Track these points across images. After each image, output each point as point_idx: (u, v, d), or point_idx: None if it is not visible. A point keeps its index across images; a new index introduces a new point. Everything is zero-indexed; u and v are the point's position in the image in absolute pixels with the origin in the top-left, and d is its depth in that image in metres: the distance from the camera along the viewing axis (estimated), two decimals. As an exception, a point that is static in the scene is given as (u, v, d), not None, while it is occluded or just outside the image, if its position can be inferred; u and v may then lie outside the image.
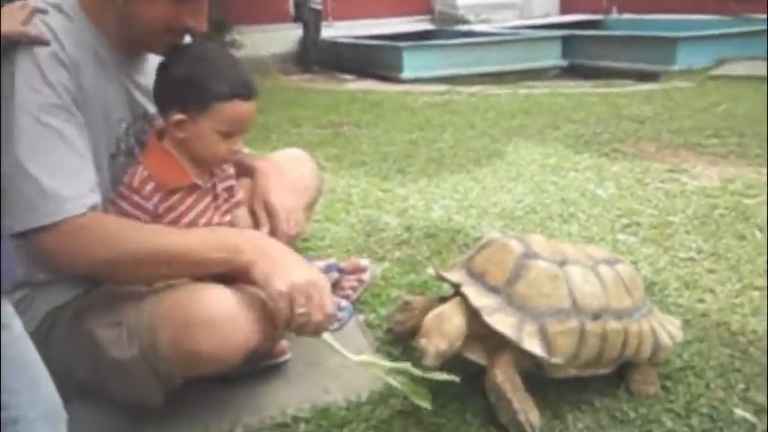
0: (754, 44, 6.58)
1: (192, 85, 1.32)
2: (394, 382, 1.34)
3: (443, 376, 1.33)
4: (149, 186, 1.34)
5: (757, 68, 5.89)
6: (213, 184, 1.46)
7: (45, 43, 1.21)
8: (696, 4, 8.85)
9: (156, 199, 1.35)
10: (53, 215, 1.16)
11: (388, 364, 1.40)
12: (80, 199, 1.19)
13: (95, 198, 1.23)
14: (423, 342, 1.33)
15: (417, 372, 1.33)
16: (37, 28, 1.22)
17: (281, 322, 1.26)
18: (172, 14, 1.29)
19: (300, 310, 1.22)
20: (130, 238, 1.22)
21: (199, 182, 1.40)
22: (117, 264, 1.22)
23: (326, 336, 1.32)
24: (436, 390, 1.45)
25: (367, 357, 1.34)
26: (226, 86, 1.32)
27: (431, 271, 1.52)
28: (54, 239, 1.17)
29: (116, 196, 1.35)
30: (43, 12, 1.25)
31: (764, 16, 6.97)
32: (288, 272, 1.24)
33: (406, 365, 1.35)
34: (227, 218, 1.51)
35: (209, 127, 1.33)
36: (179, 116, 1.33)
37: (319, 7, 9.47)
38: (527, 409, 1.29)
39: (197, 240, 1.27)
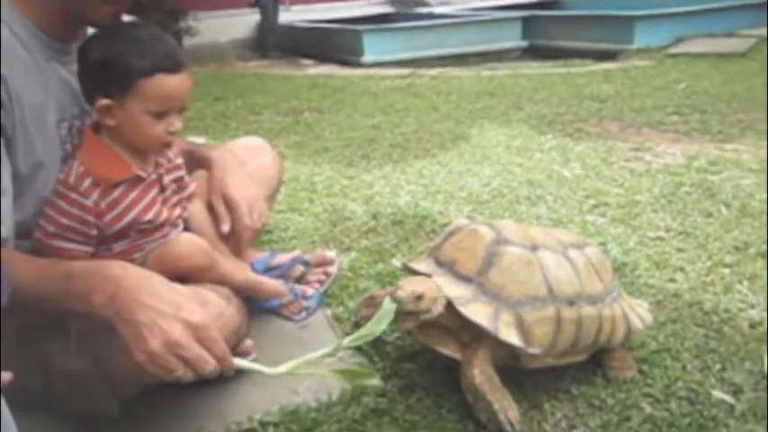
0: (712, 22, 6.67)
1: (112, 65, 1.22)
2: (327, 374, 1.21)
3: (365, 373, 1.24)
4: (87, 182, 1.25)
5: (715, 45, 5.96)
6: (159, 175, 1.37)
7: None
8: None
9: (95, 195, 1.26)
10: None
11: (314, 354, 1.20)
12: None
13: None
14: (401, 283, 1.27)
15: (346, 342, 1.20)
16: None
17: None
18: None
19: (178, 374, 1.04)
20: None
21: (142, 173, 1.32)
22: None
23: (237, 360, 1.16)
24: (410, 386, 1.40)
25: (286, 366, 1.16)
26: (147, 61, 1.22)
27: (397, 263, 1.45)
28: None
29: (53, 195, 1.25)
30: None
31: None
32: (144, 337, 1.03)
33: (326, 350, 1.20)
34: (177, 211, 1.42)
35: (137, 108, 1.24)
36: (104, 101, 1.24)
37: (276, -9, 9.27)
38: (506, 407, 1.25)
39: (57, 288, 1.10)
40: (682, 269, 1.92)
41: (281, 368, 1.15)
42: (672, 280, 1.86)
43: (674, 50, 6.07)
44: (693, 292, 1.79)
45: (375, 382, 1.25)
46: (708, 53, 5.71)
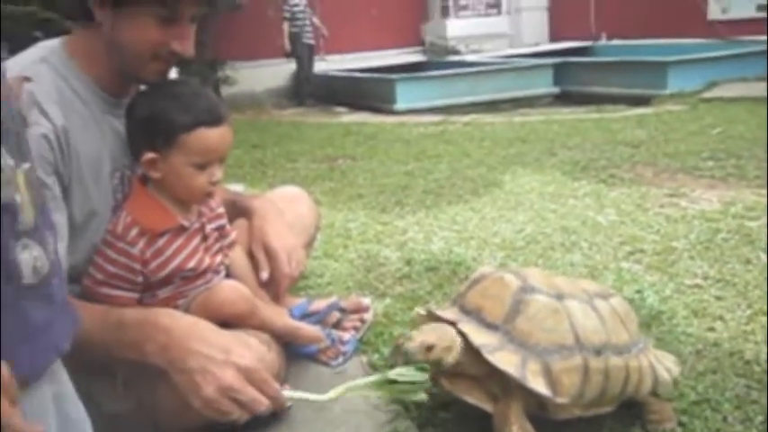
0: (744, 66, 6.66)
1: (156, 121, 1.30)
2: (377, 392, 1.28)
3: (411, 389, 1.28)
4: (133, 232, 1.31)
5: (749, 90, 5.93)
6: (202, 224, 1.43)
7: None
8: (684, 27, 8.96)
9: (141, 244, 1.32)
10: None
11: (361, 381, 1.30)
12: None
13: None
14: (413, 333, 1.28)
15: (392, 374, 1.27)
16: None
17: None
18: (157, 39, 1.27)
19: (234, 416, 1.12)
20: None
21: (185, 223, 1.37)
22: None
23: (287, 392, 1.24)
24: (446, 434, 1.40)
25: (335, 390, 1.24)
26: (188, 117, 1.30)
27: (421, 311, 1.46)
28: None
29: (102, 244, 1.31)
30: (27, 79, 1.23)
31: (752, 38, 7.04)
32: (198, 384, 1.09)
33: (377, 376, 1.29)
34: (219, 258, 1.47)
35: (180, 161, 1.31)
36: (149, 155, 1.31)
37: (312, 42, 9.57)
38: (546, 461, 1.24)
39: (109, 337, 1.17)
40: (721, 318, 1.89)
41: (330, 393, 1.21)
42: (711, 329, 1.83)
43: (707, 95, 6.06)
44: (734, 341, 1.76)
45: (422, 396, 1.27)
46: (741, 97, 5.69)
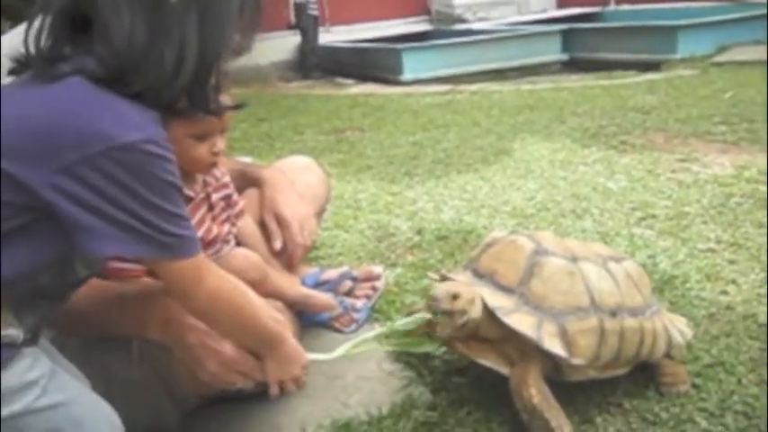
0: (756, 29, 6.52)
1: None
2: (390, 347, 1.33)
3: (421, 342, 1.32)
4: None
5: (761, 53, 5.81)
6: (207, 194, 1.42)
7: None
8: (693, -10, 8.79)
9: None
10: None
11: (366, 335, 1.34)
12: None
13: None
14: (437, 284, 1.30)
15: (396, 325, 1.33)
16: None
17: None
18: None
19: (239, 385, 1.18)
20: None
21: (190, 193, 1.37)
22: None
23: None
24: (460, 400, 1.41)
25: (342, 347, 1.27)
26: None
27: (434, 275, 1.46)
28: None
29: None
30: None
31: (764, 0, 6.90)
32: (199, 360, 1.12)
33: (382, 329, 1.33)
34: (226, 228, 1.47)
35: (180, 133, 1.29)
36: None
37: (316, 13, 9.46)
38: (562, 424, 1.24)
39: (114, 314, 1.19)
40: (734, 281, 1.88)
41: (338, 350, 1.25)
42: (724, 292, 1.82)
43: (718, 59, 5.95)
44: (747, 304, 1.75)
45: (429, 348, 1.30)
46: (753, 61, 5.58)
